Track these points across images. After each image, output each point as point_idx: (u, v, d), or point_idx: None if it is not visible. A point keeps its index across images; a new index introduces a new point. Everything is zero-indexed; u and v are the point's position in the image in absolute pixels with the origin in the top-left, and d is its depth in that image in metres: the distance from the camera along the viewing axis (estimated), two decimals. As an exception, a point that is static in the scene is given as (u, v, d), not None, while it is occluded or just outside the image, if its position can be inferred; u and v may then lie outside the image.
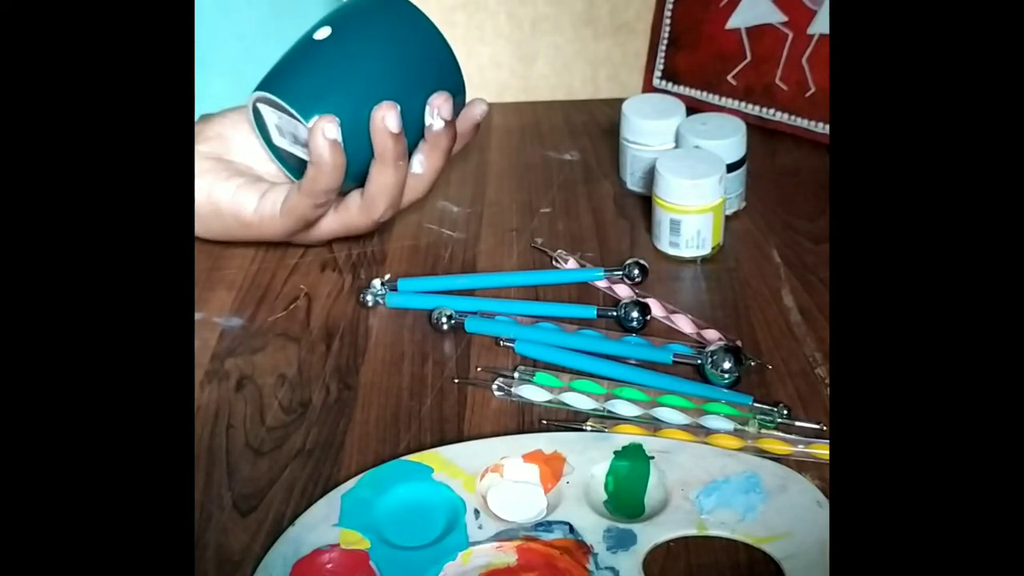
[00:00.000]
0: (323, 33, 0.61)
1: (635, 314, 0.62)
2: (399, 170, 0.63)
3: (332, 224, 0.66)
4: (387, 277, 0.66)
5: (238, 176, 0.66)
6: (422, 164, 0.65)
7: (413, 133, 0.63)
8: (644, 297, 0.64)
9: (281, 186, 0.66)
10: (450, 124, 0.64)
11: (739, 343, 0.59)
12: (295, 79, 0.62)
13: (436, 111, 0.63)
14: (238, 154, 0.68)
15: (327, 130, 0.60)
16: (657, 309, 0.63)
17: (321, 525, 0.48)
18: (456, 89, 0.63)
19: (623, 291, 0.65)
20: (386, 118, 0.61)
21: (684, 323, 0.62)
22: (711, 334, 0.61)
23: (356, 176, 0.63)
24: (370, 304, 0.65)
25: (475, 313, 0.63)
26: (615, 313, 0.62)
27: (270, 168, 0.68)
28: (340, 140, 0.60)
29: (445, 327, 0.62)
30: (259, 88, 0.62)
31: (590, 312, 0.63)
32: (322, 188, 0.62)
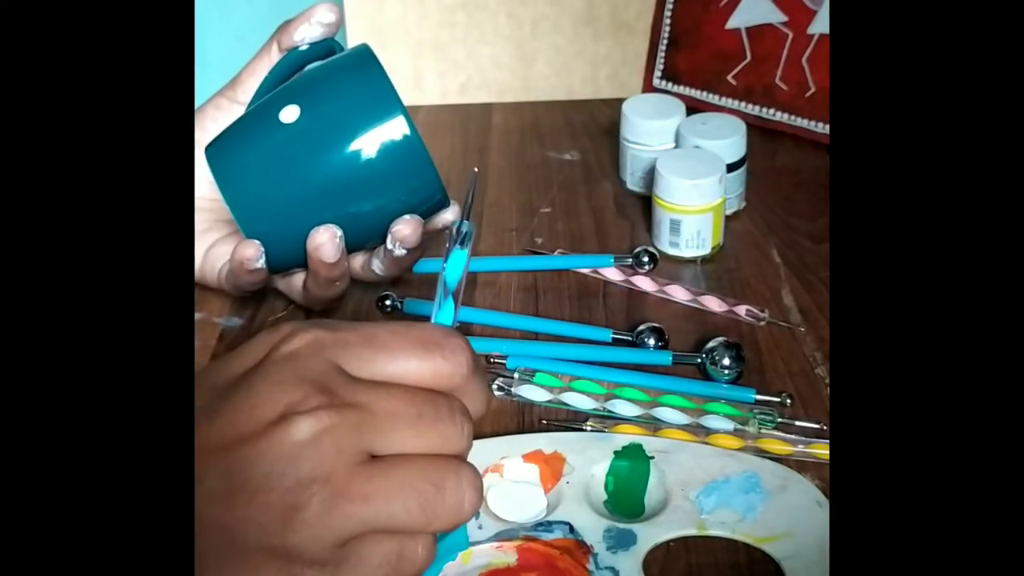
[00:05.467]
0: (290, 115, 0.55)
1: (651, 341, 0.60)
2: (334, 289, 0.59)
3: (280, 287, 0.63)
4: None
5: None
6: (380, 270, 0.59)
7: (375, 230, 0.57)
8: (666, 285, 0.65)
9: (224, 243, 0.62)
10: (414, 249, 0.57)
11: (770, 317, 0.59)
12: (241, 170, 0.55)
13: (398, 243, 0.56)
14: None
15: (246, 261, 0.55)
16: (683, 294, 0.64)
17: (321, 525, 0.48)
18: (429, 195, 0.57)
19: (642, 281, 0.66)
20: (320, 249, 0.55)
21: (713, 303, 0.63)
22: (741, 310, 0.62)
23: (301, 263, 0.58)
24: (388, 310, 0.65)
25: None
26: (631, 338, 0.60)
27: None
28: (263, 265, 0.56)
29: None
30: (211, 160, 0.56)
31: (605, 335, 0.61)
32: (249, 287, 0.59)
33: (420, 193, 0.56)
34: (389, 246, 0.56)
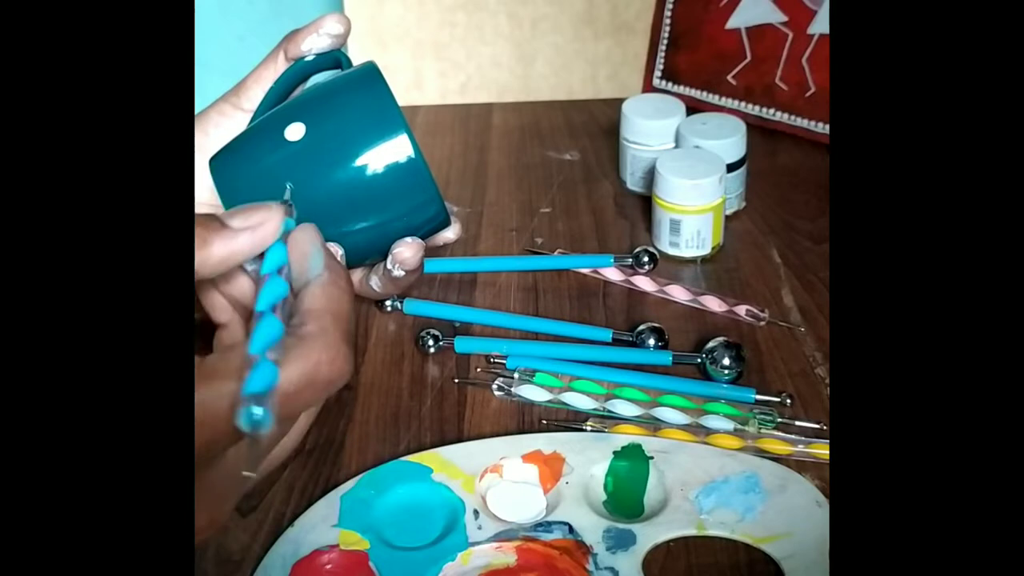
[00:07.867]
0: (295, 133, 0.55)
1: (651, 341, 0.60)
2: None
3: None
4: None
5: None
6: (378, 287, 0.59)
7: (375, 247, 0.57)
8: (666, 285, 0.65)
9: None
10: (413, 271, 0.57)
11: (770, 317, 0.59)
12: (245, 186, 0.56)
13: (398, 265, 0.56)
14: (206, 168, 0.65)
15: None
16: (683, 294, 0.64)
17: (320, 525, 0.48)
18: (432, 215, 0.57)
19: (642, 282, 0.66)
20: None
21: (713, 303, 0.63)
22: (741, 310, 0.62)
23: None
24: (388, 310, 0.65)
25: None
26: (631, 338, 0.61)
27: None
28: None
29: (432, 350, 0.61)
30: (215, 173, 0.56)
31: (605, 335, 0.61)
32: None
33: (422, 213, 0.57)
34: (388, 266, 0.57)
